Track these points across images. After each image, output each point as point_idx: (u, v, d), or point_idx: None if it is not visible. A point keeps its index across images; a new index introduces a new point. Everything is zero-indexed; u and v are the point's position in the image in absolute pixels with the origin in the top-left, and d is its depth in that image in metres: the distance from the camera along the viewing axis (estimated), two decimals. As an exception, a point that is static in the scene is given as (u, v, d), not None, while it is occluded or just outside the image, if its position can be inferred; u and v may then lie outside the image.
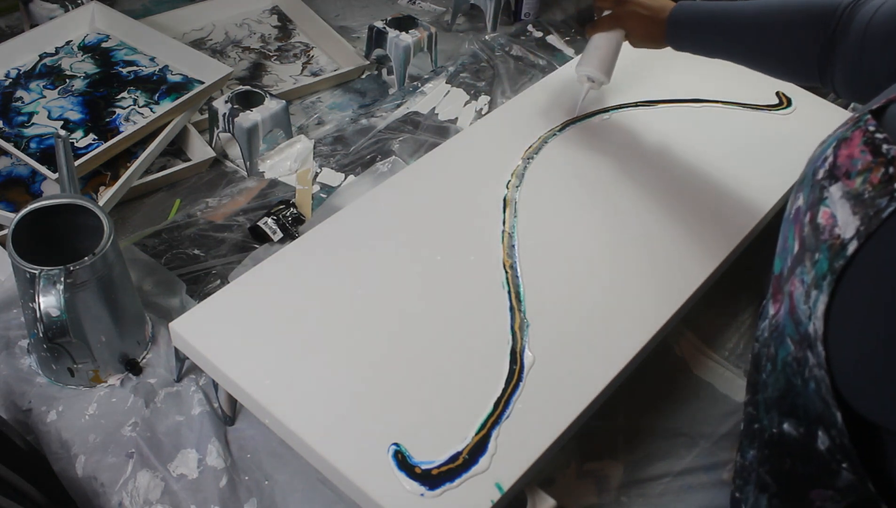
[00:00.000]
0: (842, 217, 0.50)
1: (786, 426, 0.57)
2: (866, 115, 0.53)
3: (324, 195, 1.08)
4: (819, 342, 0.51)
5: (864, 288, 0.49)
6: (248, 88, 1.12)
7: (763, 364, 0.62)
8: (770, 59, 0.84)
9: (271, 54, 1.35)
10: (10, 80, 1.12)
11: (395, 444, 0.67)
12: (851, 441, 0.51)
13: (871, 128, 0.51)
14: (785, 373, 0.57)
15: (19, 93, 1.10)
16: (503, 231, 0.86)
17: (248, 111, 1.08)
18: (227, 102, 1.09)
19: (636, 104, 1.05)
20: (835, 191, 0.52)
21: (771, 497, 0.61)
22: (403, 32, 1.26)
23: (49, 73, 1.14)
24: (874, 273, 0.49)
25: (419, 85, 1.28)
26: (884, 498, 0.51)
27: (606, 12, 0.99)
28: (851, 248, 0.49)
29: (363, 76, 1.32)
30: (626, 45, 1.00)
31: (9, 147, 1.00)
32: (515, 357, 0.74)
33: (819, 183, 0.54)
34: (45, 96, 1.10)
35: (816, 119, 1.06)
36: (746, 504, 0.65)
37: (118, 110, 1.09)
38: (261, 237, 1.01)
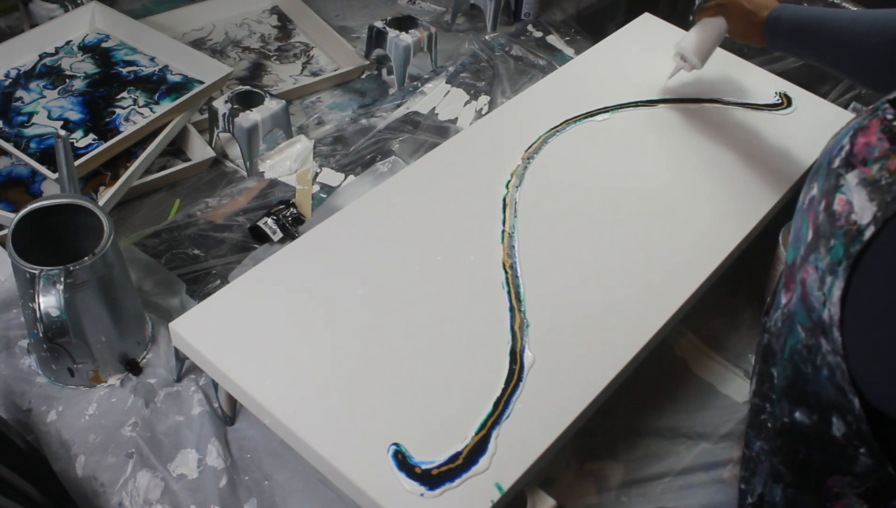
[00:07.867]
0: (858, 204, 0.51)
1: (797, 414, 0.57)
2: (884, 104, 0.53)
3: (324, 195, 1.08)
4: (835, 328, 0.51)
5: (881, 274, 0.50)
6: (248, 88, 1.12)
7: (773, 354, 0.62)
8: (863, 68, 0.84)
9: (271, 54, 1.35)
10: (10, 80, 1.12)
11: (395, 444, 0.67)
12: (869, 426, 0.51)
13: (889, 116, 0.52)
14: (793, 361, 0.57)
15: (19, 93, 1.10)
16: (503, 231, 0.86)
17: (248, 111, 1.08)
18: (227, 102, 1.09)
19: (636, 104, 1.05)
20: (851, 178, 0.52)
21: (786, 487, 0.61)
22: (403, 32, 1.25)
23: (49, 73, 1.14)
24: (891, 259, 0.49)
25: (419, 85, 1.28)
26: None
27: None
28: (868, 233, 0.49)
29: (363, 76, 1.32)
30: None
31: (9, 147, 1.00)
32: (515, 357, 0.74)
33: (835, 171, 0.54)
34: (45, 96, 1.10)
35: (816, 119, 1.06)
36: (752, 496, 0.65)
37: (118, 110, 1.09)
38: (261, 237, 1.01)
